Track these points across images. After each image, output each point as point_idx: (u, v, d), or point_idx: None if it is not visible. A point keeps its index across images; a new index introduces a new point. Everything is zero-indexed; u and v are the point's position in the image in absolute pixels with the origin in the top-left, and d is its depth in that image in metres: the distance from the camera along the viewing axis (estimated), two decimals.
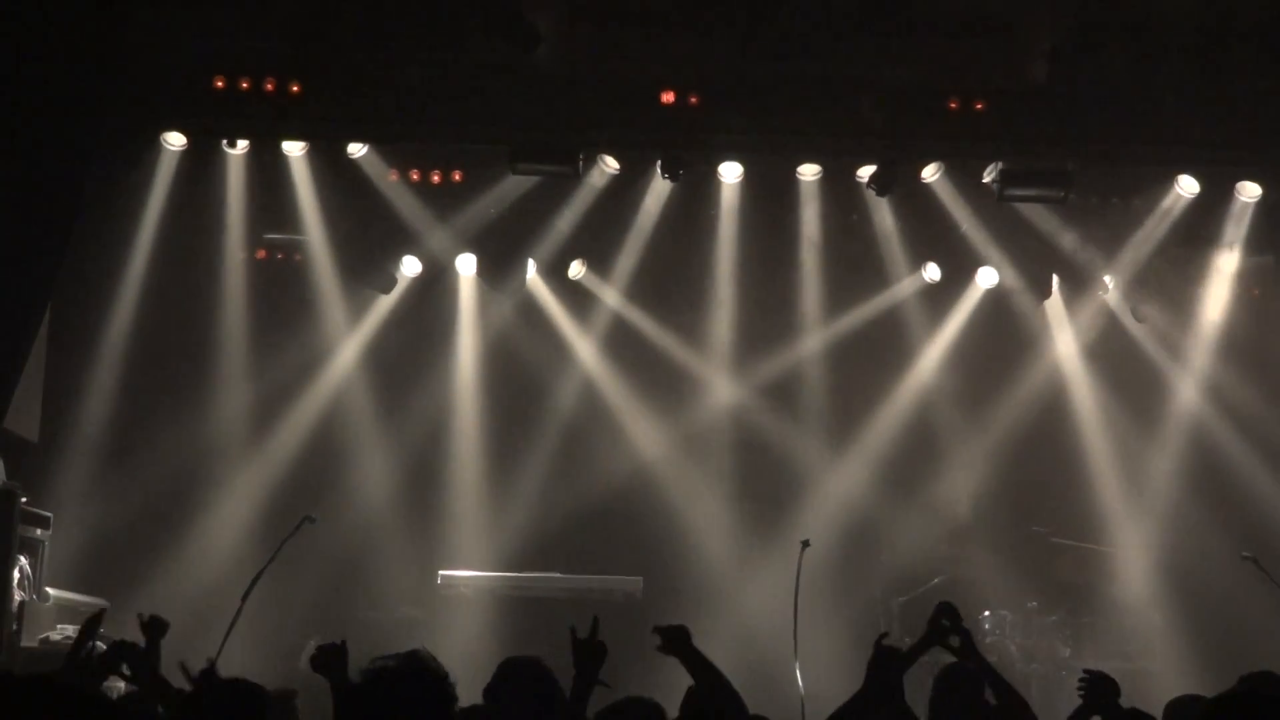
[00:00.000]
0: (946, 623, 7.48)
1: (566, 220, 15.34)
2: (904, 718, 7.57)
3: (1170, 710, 7.34)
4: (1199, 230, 15.09)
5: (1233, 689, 6.52)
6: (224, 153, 14.69)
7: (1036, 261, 15.76)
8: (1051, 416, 16.33)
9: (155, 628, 7.53)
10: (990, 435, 16.30)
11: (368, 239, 15.73)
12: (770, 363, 16.52)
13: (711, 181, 15.01)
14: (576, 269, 16.28)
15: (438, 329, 16.52)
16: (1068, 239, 15.26)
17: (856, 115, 13.47)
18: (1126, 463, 16.25)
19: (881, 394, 16.49)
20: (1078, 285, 16.01)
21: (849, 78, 13.32)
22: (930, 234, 15.55)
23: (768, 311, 16.30)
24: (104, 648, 7.56)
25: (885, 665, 7.14)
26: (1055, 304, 16.25)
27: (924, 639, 7.56)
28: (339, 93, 13.50)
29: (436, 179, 15.12)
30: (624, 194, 15.09)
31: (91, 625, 7.75)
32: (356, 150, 14.66)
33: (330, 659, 6.78)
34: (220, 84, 13.38)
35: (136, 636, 7.40)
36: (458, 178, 15.14)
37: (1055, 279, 15.95)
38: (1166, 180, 14.67)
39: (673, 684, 7.24)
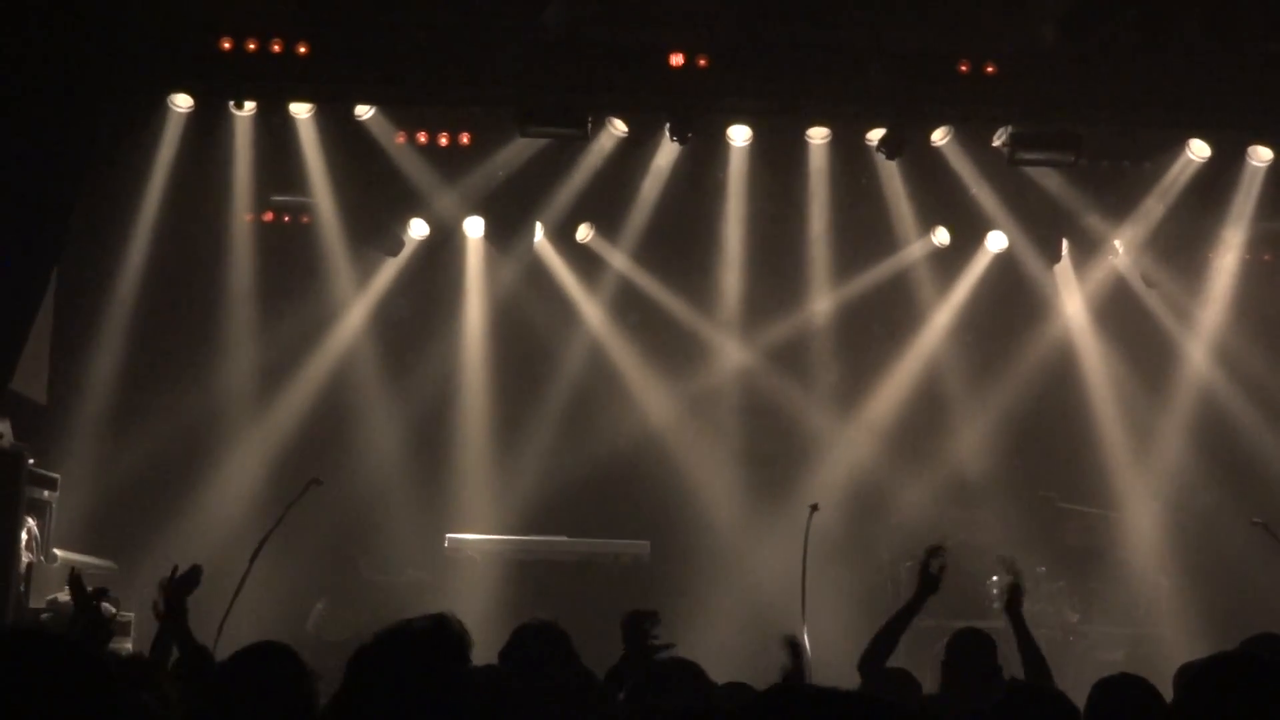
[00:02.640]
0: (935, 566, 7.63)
1: (574, 183, 15.28)
2: (906, 685, 7.58)
3: (1181, 675, 7.31)
4: (1210, 195, 15.02)
5: (1230, 650, 6.51)
6: (231, 114, 14.58)
7: (1046, 225, 15.71)
8: (1060, 381, 16.28)
9: (180, 584, 7.45)
10: (999, 399, 16.27)
11: (375, 201, 15.69)
12: (778, 327, 16.48)
13: (720, 144, 14.94)
14: (584, 232, 16.23)
15: (445, 292, 16.49)
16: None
17: (866, 78, 13.37)
18: (1135, 427, 16.22)
19: (889, 358, 16.46)
20: (1088, 249, 15.96)
21: (859, 40, 13.24)
22: (939, 198, 15.48)
23: (776, 275, 16.25)
24: (112, 610, 7.52)
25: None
26: (1065, 268, 16.20)
27: (920, 588, 7.67)
28: (347, 54, 13.43)
29: (444, 141, 15.08)
30: (632, 157, 15.04)
31: (76, 585, 7.58)
32: (364, 112, 14.59)
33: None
34: (227, 45, 13.31)
35: (144, 599, 7.38)
36: (466, 140, 15.09)
37: (1065, 243, 15.90)
38: (1177, 144, 14.60)
39: (678, 648, 7.23)
